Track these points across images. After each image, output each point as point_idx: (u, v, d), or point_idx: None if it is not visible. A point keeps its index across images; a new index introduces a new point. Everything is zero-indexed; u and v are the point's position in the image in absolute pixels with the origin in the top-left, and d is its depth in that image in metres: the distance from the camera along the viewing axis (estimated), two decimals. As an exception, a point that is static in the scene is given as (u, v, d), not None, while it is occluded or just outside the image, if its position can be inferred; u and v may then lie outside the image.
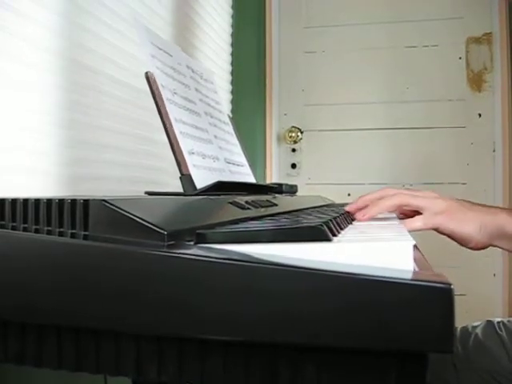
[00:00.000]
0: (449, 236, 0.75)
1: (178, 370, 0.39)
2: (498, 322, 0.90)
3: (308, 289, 0.33)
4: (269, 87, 2.24)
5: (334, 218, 0.55)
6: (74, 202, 0.43)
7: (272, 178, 2.21)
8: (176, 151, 0.73)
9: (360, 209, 0.73)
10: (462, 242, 0.74)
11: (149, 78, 0.75)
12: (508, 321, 0.90)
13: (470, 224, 0.72)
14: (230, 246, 0.41)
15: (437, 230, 0.74)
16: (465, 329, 0.92)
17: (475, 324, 0.92)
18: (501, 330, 0.88)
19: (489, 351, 0.86)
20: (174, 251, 0.37)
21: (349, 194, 2.04)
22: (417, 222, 0.72)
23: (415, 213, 0.76)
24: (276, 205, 0.79)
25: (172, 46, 0.89)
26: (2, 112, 0.83)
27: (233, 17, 2.13)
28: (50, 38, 0.94)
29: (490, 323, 0.90)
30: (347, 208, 0.76)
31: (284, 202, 0.88)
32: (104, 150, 1.11)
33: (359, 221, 0.71)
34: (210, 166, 0.82)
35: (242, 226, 0.49)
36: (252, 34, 2.18)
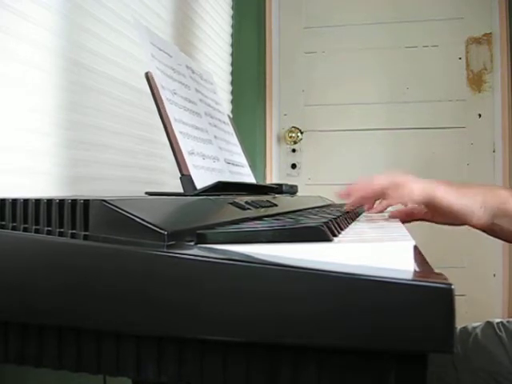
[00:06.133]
0: (446, 210, 0.68)
1: (177, 370, 0.39)
2: (498, 323, 0.90)
3: (308, 289, 0.33)
4: (269, 87, 2.24)
5: (335, 219, 0.55)
6: (74, 202, 0.43)
7: (272, 178, 2.21)
8: (176, 151, 0.73)
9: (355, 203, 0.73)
10: (461, 217, 0.68)
11: (149, 78, 0.75)
12: (508, 321, 0.90)
13: (470, 197, 0.67)
14: (231, 246, 0.41)
15: (434, 202, 0.68)
16: (464, 329, 0.92)
17: (475, 324, 0.92)
18: (500, 331, 0.88)
19: (488, 352, 0.86)
20: (175, 251, 0.37)
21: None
22: (415, 192, 0.68)
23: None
24: (276, 205, 0.79)
25: (172, 47, 0.89)
26: (2, 112, 0.83)
27: (233, 17, 2.13)
28: (50, 37, 0.94)
29: (489, 324, 0.90)
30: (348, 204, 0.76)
31: (284, 203, 0.88)
32: (104, 150, 1.11)
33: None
34: (210, 167, 0.82)
35: (242, 227, 0.49)
36: (252, 34, 2.18)
